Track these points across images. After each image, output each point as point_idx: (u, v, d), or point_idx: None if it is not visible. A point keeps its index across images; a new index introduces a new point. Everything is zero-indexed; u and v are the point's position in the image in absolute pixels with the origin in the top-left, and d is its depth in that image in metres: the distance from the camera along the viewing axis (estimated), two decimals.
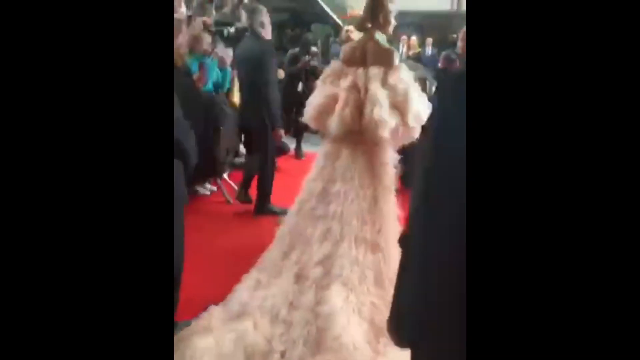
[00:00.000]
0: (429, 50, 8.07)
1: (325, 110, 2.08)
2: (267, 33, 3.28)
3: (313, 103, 2.16)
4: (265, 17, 3.22)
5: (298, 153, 5.34)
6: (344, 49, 2.20)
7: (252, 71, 3.21)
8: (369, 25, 2.12)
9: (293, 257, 2.15)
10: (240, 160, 4.93)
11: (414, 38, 7.67)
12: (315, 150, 4.76)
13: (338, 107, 2.02)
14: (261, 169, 3.44)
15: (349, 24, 5.78)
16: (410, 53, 7.37)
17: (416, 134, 2.08)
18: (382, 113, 1.98)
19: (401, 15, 2.26)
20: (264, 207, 3.53)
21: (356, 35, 5.92)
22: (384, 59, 2.07)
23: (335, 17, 6.76)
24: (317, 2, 6.96)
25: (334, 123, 2.03)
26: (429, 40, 8.08)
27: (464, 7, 11.38)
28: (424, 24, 8.37)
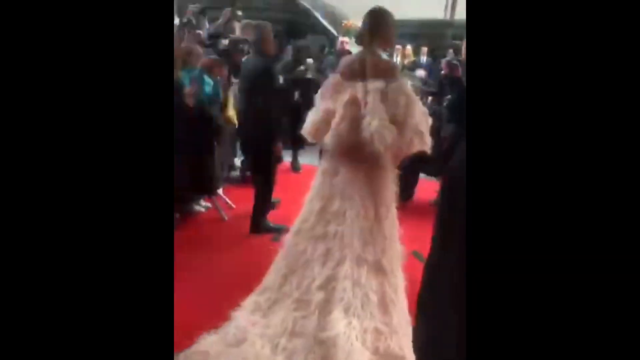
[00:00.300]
0: (423, 59, 8.06)
1: (323, 125, 2.03)
2: (271, 49, 3.35)
3: (311, 118, 2.11)
4: (269, 34, 3.30)
5: (294, 165, 5.25)
6: (342, 63, 2.14)
7: (255, 87, 3.25)
8: (369, 38, 2.06)
9: (294, 282, 2.07)
10: (236, 173, 4.84)
11: (408, 47, 7.67)
12: (312, 163, 4.77)
13: (334, 122, 1.98)
14: (262, 183, 3.41)
15: (344, 34, 5.75)
16: (406, 62, 7.36)
17: (415, 148, 2.01)
18: (380, 127, 1.91)
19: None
20: (259, 224, 3.46)
21: (352, 46, 5.95)
22: (385, 72, 2.01)
23: (330, 28, 6.74)
24: (312, 13, 6.95)
25: (330, 138, 1.98)
26: (424, 49, 8.07)
27: (457, 16, 11.50)
28: (417, 33, 8.38)
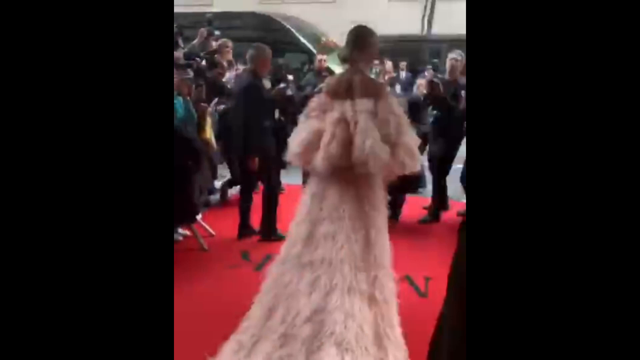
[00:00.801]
0: (403, 74, 8.09)
1: (310, 146, 1.94)
2: (265, 71, 3.59)
3: (297, 139, 2.01)
4: (267, 56, 3.50)
5: None
6: (329, 82, 2.10)
7: (243, 103, 3.42)
8: (354, 57, 2.01)
9: (277, 316, 1.92)
10: (216, 197, 4.66)
11: (389, 63, 7.69)
12: (295, 183, 4.65)
13: (323, 142, 1.89)
14: (266, 192, 3.60)
15: (322, 52, 5.71)
16: (386, 78, 7.38)
17: (408, 169, 1.97)
18: (375, 147, 1.84)
19: None
20: (270, 232, 3.57)
21: (331, 63, 5.90)
22: (373, 91, 1.95)
23: (309, 45, 6.70)
24: (290, 31, 6.91)
25: (319, 159, 1.88)
26: (403, 64, 8.11)
27: (433, 31, 11.70)
28: (396, 48, 8.43)
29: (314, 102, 2.06)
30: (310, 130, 1.96)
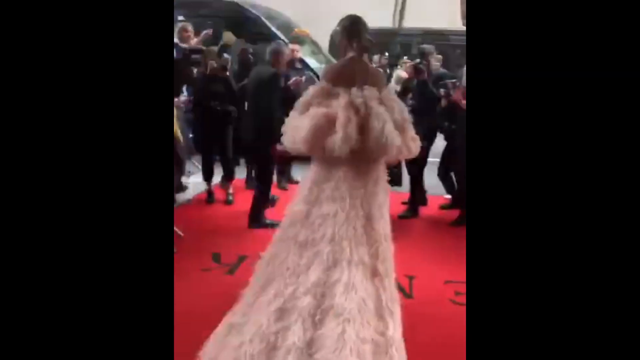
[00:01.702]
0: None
1: (321, 130, 1.90)
2: (282, 66, 3.77)
3: (304, 125, 1.95)
4: (283, 54, 3.73)
5: (280, 182, 4.81)
6: (330, 69, 2.12)
7: (266, 93, 3.57)
8: (352, 45, 2.02)
9: (272, 291, 1.86)
10: (186, 197, 4.40)
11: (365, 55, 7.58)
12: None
13: (340, 125, 1.86)
14: (261, 180, 3.77)
15: (295, 42, 5.49)
16: None
17: (412, 153, 2.04)
18: (393, 131, 1.89)
19: None
20: (258, 219, 3.73)
21: (305, 54, 5.70)
22: (375, 80, 1.99)
23: (281, 35, 6.46)
24: (261, 19, 6.65)
25: (339, 142, 1.85)
26: (375, 57, 8.02)
27: (404, 24, 11.70)
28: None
29: (312, 90, 2.03)
30: (319, 115, 1.92)
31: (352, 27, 2.03)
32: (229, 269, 2.98)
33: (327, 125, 1.89)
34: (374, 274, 1.84)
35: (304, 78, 4.40)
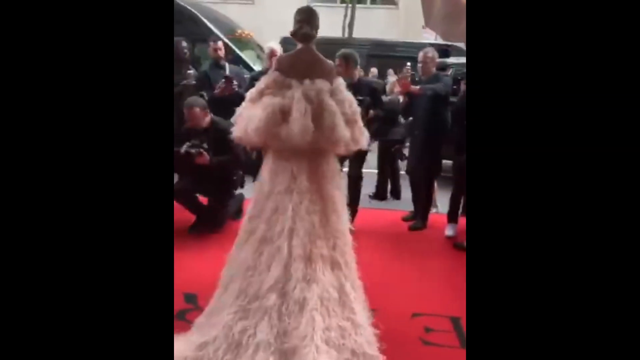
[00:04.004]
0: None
1: (275, 120, 1.90)
2: (352, 75, 3.46)
3: (257, 114, 1.93)
4: (351, 62, 3.51)
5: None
6: (281, 60, 2.11)
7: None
8: (307, 38, 2.02)
9: (234, 289, 1.88)
10: None
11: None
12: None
13: (299, 116, 1.88)
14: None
15: (239, 43, 5.03)
16: None
17: (360, 145, 2.07)
18: (342, 125, 1.94)
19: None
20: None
21: (247, 57, 5.25)
22: (328, 71, 2.02)
23: (221, 36, 5.97)
24: (200, 19, 6.12)
25: (297, 132, 1.86)
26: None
27: (353, 35, 11.64)
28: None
29: (265, 80, 2.02)
30: (272, 105, 1.92)
31: (312, 17, 2.04)
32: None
33: (280, 116, 1.89)
34: (334, 264, 1.91)
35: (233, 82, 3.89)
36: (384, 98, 4.27)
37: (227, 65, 4.32)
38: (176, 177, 3.55)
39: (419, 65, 3.73)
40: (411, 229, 3.80)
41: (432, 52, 3.71)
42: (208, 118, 3.47)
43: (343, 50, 3.62)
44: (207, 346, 1.80)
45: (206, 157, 3.35)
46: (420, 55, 3.72)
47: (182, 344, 1.85)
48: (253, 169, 2.76)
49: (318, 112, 1.91)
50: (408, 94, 3.68)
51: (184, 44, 4.08)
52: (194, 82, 3.98)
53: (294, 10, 2.06)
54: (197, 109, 3.39)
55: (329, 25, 10.92)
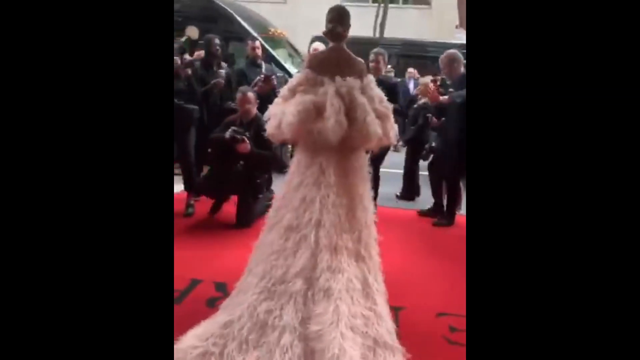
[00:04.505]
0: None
1: (309, 116, 1.94)
2: (381, 72, 3.69)
3: (290, 111, 1.96)
4: (380, 59, 3.75)
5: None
6: (313, 58, 2.15)
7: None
8: (339, 36, 2.07)
9: (258, 272, 1.94)
10: None
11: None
12: None
13: (333, 112, 1.92)
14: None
15: (271, 42, 5.12)
16: None
17: (390, 141, 2.13)
18: (374, 122, 1.98)
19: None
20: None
21: (281, 56, 5.32)
22: (358, 69, 2.06)
23: (255, 34, 6.06)
24: (236, 18, 6.24)
25: (331, 128, 1.90)
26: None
27: (384, 35, 11.56)
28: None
29: (298, 78, 2.09)
30: (305, 102, 1.96)
31: (344, 16, 2.08)
32: (176, 297, 2.49)
33: (314, 112, 1.93)
34: (358, 257, 1.97)
35: (276, 77, 3.98)
36: (418, 102, 4.36)
37: (263, 63, 4.43)
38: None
39: (444, 69, 3.85)
40: (435, 224, 3.92)
41: (455, 54, 3.79)
42: (255, 109, 3.57)
43: (378, 48, 3.78)
44: (232, 324, 1.84)
45: (248, 145, 3.43)
46: (444, 58, 3.80)
47: (208, 324, 1.90)
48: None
49: (350, 109, 1.95)
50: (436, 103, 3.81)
51: (217, 41, 4.19)
52: (223, 79, 4.09)
53: (326, 9, 2.11)
54: (251, 94, 3.53)
55: (361, 25, 10.94)
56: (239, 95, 3.56)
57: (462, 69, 3.81)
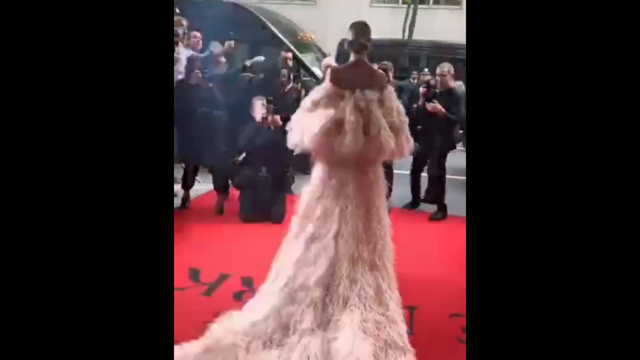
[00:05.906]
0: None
1: (330, 131, 2.05)
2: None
3: (314, 125, 2.08)
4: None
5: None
6: (334, 71, 2.24)
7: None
8: (360, 49, 2.16)
9: (282, 278, 2.10)
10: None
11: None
12: None
13: (350, 128, 2.02)
14: None
15: (300, 46, 5.28)
16: None
17: (405, 154, 2.22)
18: (387, 136, 2.05)
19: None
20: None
21: (309, 61, 5.46)
22: (377, 81, 2.13)
23: (285, 40, 6.23)
24: (266, 24, 6.42)
25: (349, 143, 2.02)
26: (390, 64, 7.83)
27: (412, 37, 11.50)
28: (374, 53, 8.12)
29: (320, 91, 2.16)
30: (327, 117, 2.06)
31: (366, 30, 2.18)
32: (206, 290, 2.67)
33: (333, 127, 2.04)
34: (372, 267, 2.09)
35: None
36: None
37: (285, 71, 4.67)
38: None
39: (437, 78, 4.14)
40: (431, 219, 4.18)
41: (447, 67, 4.13)
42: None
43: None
44: (259, 324, 2.02)
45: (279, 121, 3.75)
46: (438, 70, 4.15)
47: (237, 321, 2.07)
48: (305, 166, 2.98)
49: (366, 122, 2.05)
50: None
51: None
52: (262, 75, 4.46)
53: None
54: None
55: (390, 27, 10.91)
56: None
57: (451, 83, 4.14)
